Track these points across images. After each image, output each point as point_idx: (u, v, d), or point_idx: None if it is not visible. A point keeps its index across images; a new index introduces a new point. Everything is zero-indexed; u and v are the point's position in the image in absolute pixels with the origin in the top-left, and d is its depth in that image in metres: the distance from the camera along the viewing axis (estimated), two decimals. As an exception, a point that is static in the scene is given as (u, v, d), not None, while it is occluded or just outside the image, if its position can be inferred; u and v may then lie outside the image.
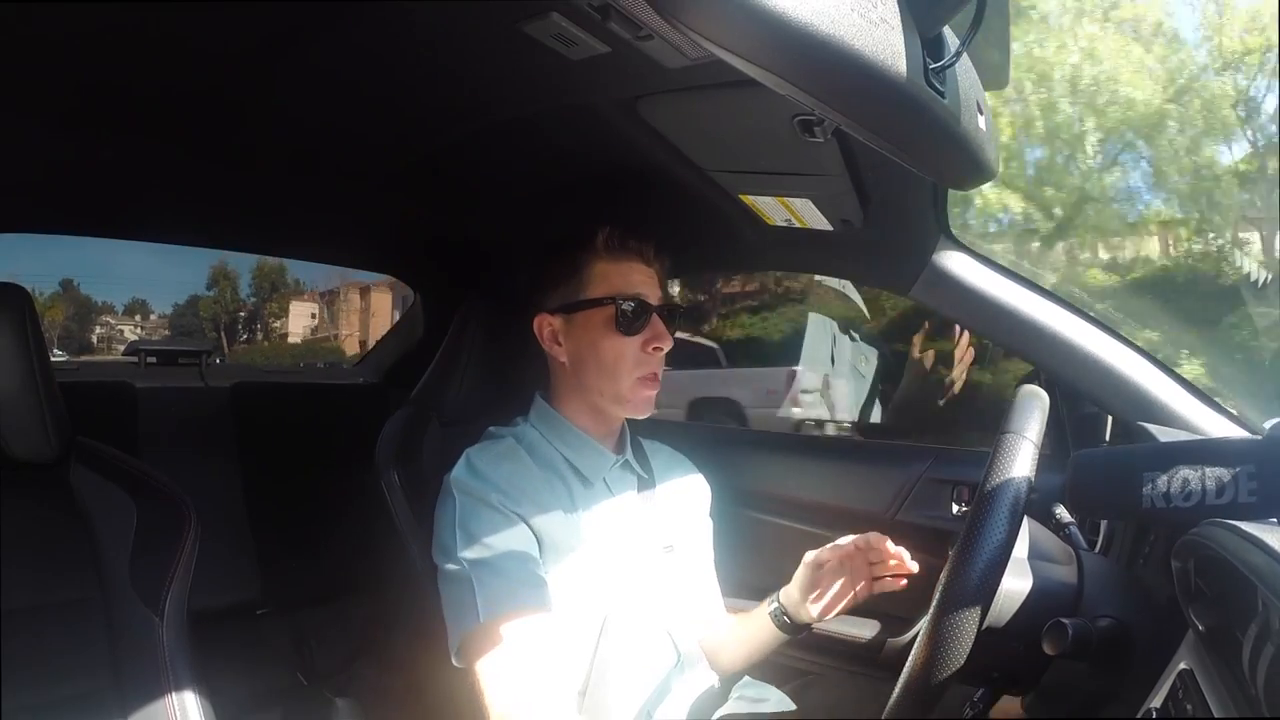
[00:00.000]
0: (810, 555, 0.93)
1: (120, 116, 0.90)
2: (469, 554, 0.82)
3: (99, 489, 0.85)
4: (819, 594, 0.92)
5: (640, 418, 0.95)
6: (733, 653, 1.01)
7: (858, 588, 0.90)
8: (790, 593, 0.95)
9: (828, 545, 0.92)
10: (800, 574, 0.93)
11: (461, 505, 0.85)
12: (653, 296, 0.93)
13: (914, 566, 0.86)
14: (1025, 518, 0.74)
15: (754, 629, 0.99)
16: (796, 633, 0.96)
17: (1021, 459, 0.63)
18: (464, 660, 0.81)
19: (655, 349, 0.91)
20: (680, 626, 0.96)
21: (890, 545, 0.86)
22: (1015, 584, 0.72)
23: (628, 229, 0.93)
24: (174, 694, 0.78)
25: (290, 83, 0.83)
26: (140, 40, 0.73)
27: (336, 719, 1.22)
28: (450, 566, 0.83)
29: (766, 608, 0.97)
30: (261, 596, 1.51)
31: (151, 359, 1.73)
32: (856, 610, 0.96)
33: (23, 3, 0.65)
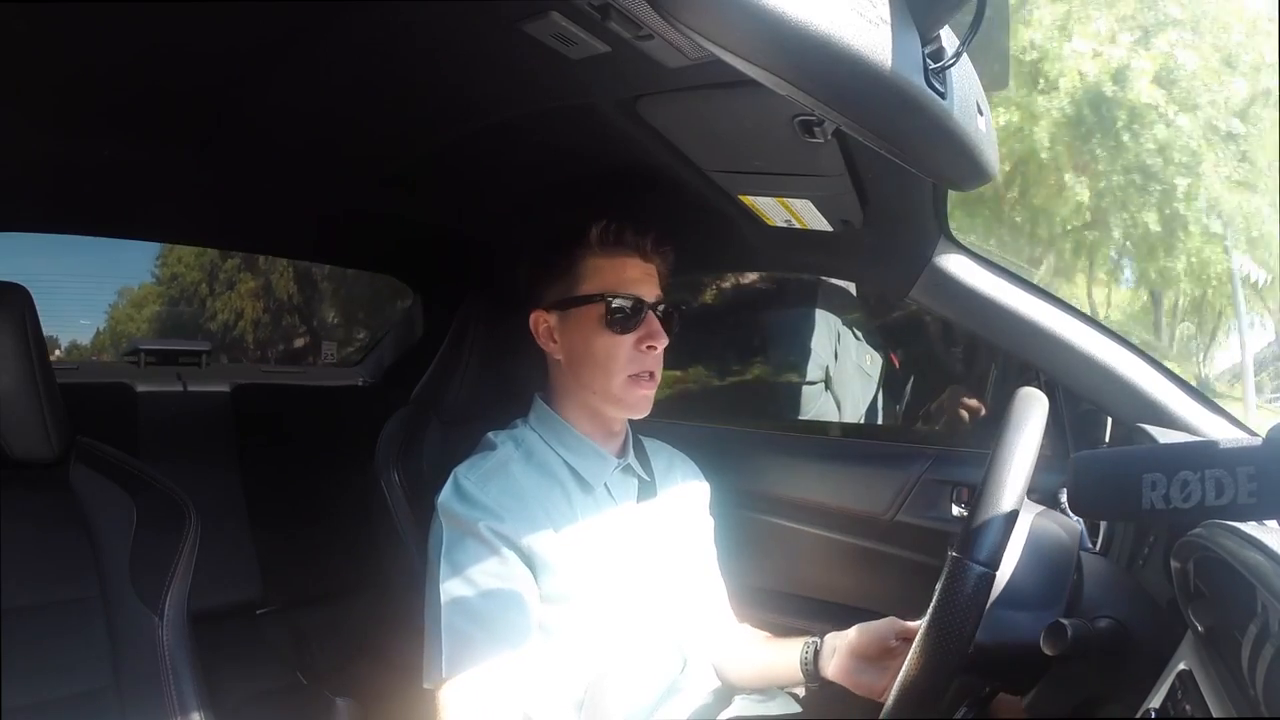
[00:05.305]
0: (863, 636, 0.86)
1: (120, 116, 0.90)
2: (450, 588, 0.80)
3: (99, 489, 0.85)
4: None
5: (638, 417, 0.94)
6: (744, 672, 0.99)
7: None
8: (843, 660, 0.87)
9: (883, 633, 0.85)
10: (859, 645, 0.86)
11: (448, 535, 0.83)
12: (649, 293, 0.91)
13: None
14: (1032, 512, 0.75)
15: (780, 663, 0.95)
16: (813, 680, 0.91)
17: (1020, 460, 0.63)
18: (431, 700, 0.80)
19: (649, 347, 0.89)
20: (686, 631, 0.96)
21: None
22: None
23: (625, 222, 0.91)
24: (174, 694, 0.78)
25: (290, 82, 0.83)
26: (140, 40, 0.73)
27: (336, 719, 1.22)
28: (432, 596, 0.81)
29: (800, 651, 0.92)
30: (261, 596, 1.51)
31: (151, 359, 1.73)
32: (857, 612, 0.96)
33: (23, 2, 0.65)
